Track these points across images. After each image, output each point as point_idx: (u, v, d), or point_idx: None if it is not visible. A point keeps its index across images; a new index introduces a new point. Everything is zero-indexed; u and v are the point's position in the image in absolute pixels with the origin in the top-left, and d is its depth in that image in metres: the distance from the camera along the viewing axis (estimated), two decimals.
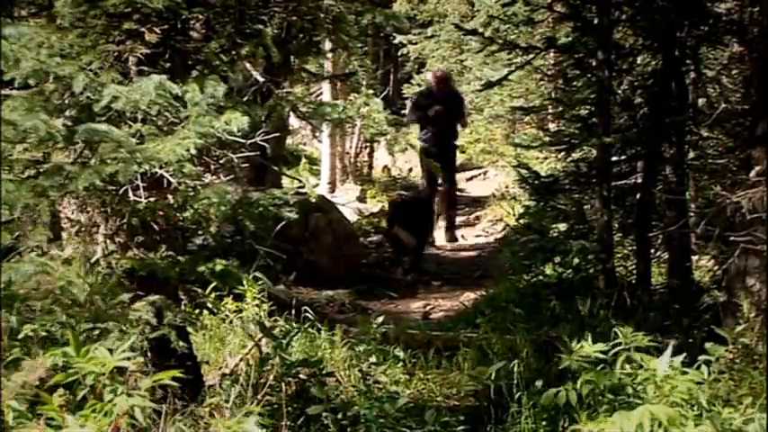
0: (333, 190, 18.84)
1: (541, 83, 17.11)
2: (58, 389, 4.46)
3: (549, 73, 13.17)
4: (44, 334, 4.70)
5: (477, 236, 16.66)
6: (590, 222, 9.55)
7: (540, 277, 10.25)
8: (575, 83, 10.14)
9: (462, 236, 16.10)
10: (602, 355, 5.57)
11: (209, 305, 6.84)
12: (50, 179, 4.65)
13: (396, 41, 23.64)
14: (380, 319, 7.87)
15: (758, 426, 5.18)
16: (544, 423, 5.79)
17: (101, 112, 4.70)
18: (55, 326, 4.79)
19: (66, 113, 4.90)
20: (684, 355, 5.51)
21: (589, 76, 9.63)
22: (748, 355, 6.50)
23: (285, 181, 14.54)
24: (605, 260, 9.10)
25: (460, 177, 22.73)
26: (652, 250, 9.53)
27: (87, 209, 5.25)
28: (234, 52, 5.64)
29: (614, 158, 9.49)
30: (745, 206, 7.55)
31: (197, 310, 6.25)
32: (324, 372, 6.44)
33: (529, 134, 17.80)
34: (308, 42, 6.56)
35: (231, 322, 7.81)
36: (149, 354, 5.33)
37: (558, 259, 9.90)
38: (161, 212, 5.15)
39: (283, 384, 6.02)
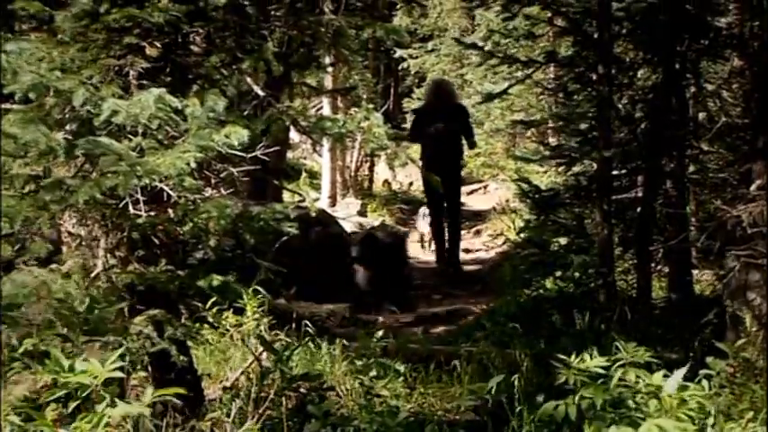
0: (333, 204, 18.86)
1: (542, 97, 17.18)
2: (50, 404, 4.45)
3: (549, 87, 13.18)
4: (44, 348, 4.69)
5: (478, 250, 16.68)
6: (590, 236, 9.56)
7: (541, 291, 10.26)
8: (575, 97, 10.16)
9: (463, 250, 16.10)
10: (601, 370, 5.56)
11: (210, 319, 6.83)
12: (51, 193, 4.65)
13: (396, 55, 23.74)
14: (381, 333, 7.86)
15: None
16: None
17: (101, 125, 4.70)
18: (54, 340, 4.79)
19: (67, 127, 4.91)
20: (686, 369, 5.50)
21: (589, 90, 9.65)
22: (749, 369, 6.49)
23: (286, 195, 14.54)
24: (606, 274, 9.10)
25: (462, 191, 22.82)
26: (653, 264, 9.53)
27: (87, 222, 5.25)
28: (234, 66, 5.65)
29: (615, 172, 9.50)
30: (745, 220, 7.55)
31: (197, 324, 6.24)
32: (324, 386, 6.43)
33: (529, 148, 17.83)
34: (309, 56, 6.57)
35: (232, 336, 7.80)
36: (150, 368, 5.33)
37: (558, 273, 9.90)
38: (161, 226, 5.14)
39: (284, 398, 6.01)
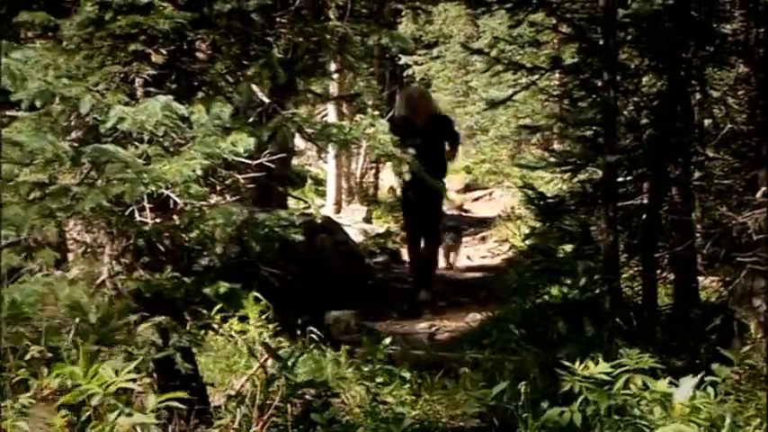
0: (338, 210, 18.87)
1: (547, 103, 17.14)
2: (61, 410, 4.46)
3: (554, 94, 13.16)
4: (50, 355, 4.70)
5: (483, 257, 16.68)
6: (596, 243, 9.54)
7: (546, 298, 10.25)
8: (580, 103, 10.15)
9: (468, 257, 16.08)
10: (606, 377, 5.55)
11: (215, 326, 6.83)
12: (57, 200, 4.66)
13: (401, 62, 23.71)
14: (388, 340, 7.86)
15: None
16: None
17: (107, 132, 4.71)
18: (62, 345, 4.80)
19: (73, 134, 4.92)
20: (698, 378, 5.49)
21: (594, 96, 9.64)
22: (755, 376, 6.49)
23: (291, 202, 14.55)
24: (611, 281, 9.08)
25: (467, 197, 22.80)
26: (658, 271, 9.51)
27: (93, 230, 5.26)
28: (240, 73, 5.66)
29: (620, 179, 9.48)
30: (751, 227, 7.56)
31: (202, 332, 6.24)
32: (329, 393, 6.43)
33: (534, 155, 17.85)
34: (314, 63, 6.56)
35: (236, 343, 7.80)
36: (155, 375, 5.33)
37: (564, 280, 9.89)
38: (167, 233, 5.15)
39: (289, 406, 6.01)
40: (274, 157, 5.60)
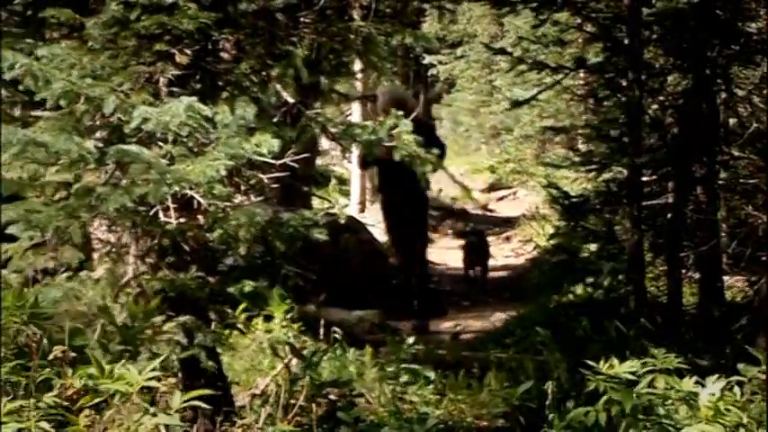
0: (362, 210, 18.85)
1: (571, 103, 17.12)
2: (84, 410, 4.46)
3: (578, 93, 13.13)
4: (74, 355, 4.70)
5: (507, 256, 16.66)
6: (621, 242, 9.53)
7: (571, 297, 10.23)
8: (605, 103, 10.14)
9: (492, 257, 16.06)
10: (631, 376, 5.53)
11: (240, 326, 6.84)
12: (81, 200, 4.68)
13: (426, 62, 23.71)
14: (412, 339, 7.86)
15: None
16: None
17: (131, 133, 4.72)
18: (87, 345, 4.81)
19: (97, 135, 4.93)
20: (724, 380, 5.47)
21: (619, 96, 9.62)
22: None
23: (315, 201, 14.55)
24: (636, 280, 9.06)
25: (491, 197, 22.77)
26: (683, 270, 9.49)
27: (118, 230, 5.27)
28: (264, 73, 5.65)
29: (645, 178, 9.46)
30: None
31: (227, 331, 6.25)
32: (353, 392, 6.43)
33: (559, 154, 17.79)
34: (339, 63, 6.55)
35: (261, 343, 7.81)
36: (180, 374, 5.34)
37: (588, 279, 9.87)
38: (191, 233, 5.15)
39: (313, 405, 6.01)
40: (298, 157, 5.60)
